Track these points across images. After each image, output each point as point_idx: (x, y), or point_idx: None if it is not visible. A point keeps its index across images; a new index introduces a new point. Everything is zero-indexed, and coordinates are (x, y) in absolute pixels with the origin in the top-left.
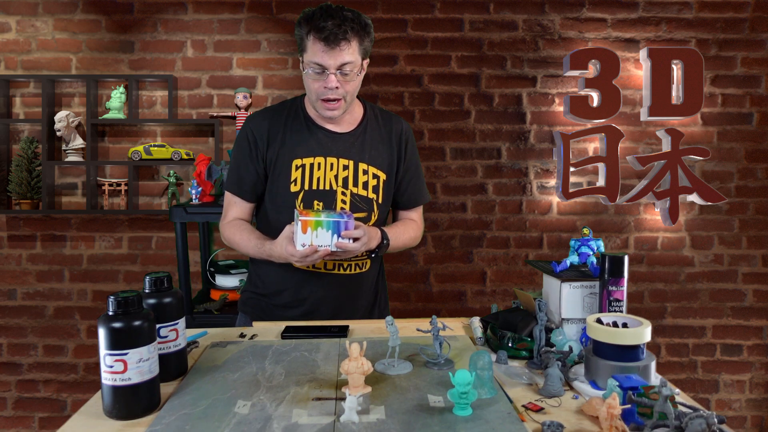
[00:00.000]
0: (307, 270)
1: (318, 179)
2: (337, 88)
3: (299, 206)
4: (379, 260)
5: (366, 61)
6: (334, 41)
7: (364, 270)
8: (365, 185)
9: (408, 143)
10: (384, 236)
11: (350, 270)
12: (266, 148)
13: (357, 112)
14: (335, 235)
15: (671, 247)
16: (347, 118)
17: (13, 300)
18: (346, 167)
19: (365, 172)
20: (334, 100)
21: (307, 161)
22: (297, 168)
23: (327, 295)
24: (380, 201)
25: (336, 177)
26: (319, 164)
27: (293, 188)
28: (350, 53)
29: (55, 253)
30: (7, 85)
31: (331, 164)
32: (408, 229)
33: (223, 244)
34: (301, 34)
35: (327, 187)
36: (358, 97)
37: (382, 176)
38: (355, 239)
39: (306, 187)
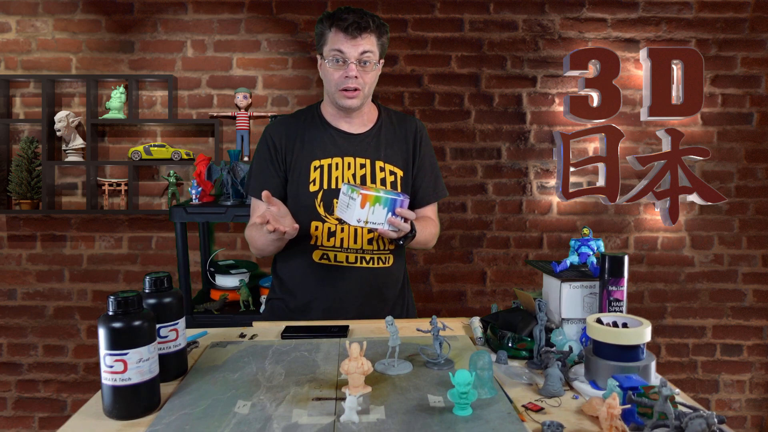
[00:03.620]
0: (328, 264)
1: (336, 179)
2: (356, 77)
3: (348, 181)
4: (403, 259)
5: (382, 61)
6: (356, 30)
7: (388, 265)
8: (383, 182)
9: (422, 140)
10: (412, 226)
11: (373, 263)
12: (285, 152)
13: (372, 113)
14: (390, 214)
15: (671, 247)
16: (363, 119)
17: (13, 300)
18: (363, 166)
19: (382, 170)
20: (353, 89)
21: (325, 162)
22: (315, 169)
23: (351, 291)
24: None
25: (354, 176)
26: (336, 164)
27: (312, 188)
28: (369, 45)
29: (55, 253)
30: (7, 85)
31: (348, 164)
32: (428, 225)
33: (224, 243)
34: (322, 29)
35: None
36: (373, 100)
37: (399, 173)
38: (405, 219)
39: (325, 186)
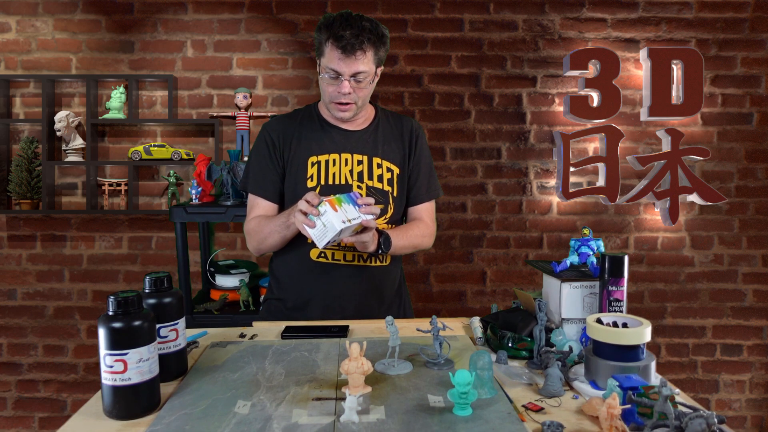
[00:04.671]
0: (325, 262)
1: (333, 174)
2: (349, 93)
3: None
4: (399, 260)
5: (380, 69)
6: (351, 50)
7: (385, 263)
8: (380, 178)
9: (418, 139)
10: (380, 232)
11: (371, 262)
12: (283, 148)
13: (369, 112)
14: (356, 207)
15: (671, 247)
16: (359, 120)
17: (13, 300)
18: (360, 162)
19: (379, 166)
20: (346, 103)
21: (323, 158)
22: (313, 165)
23: (349, 289)
24: (395, 194)
25: (351, 172)
26: (334, 160)
27: (310, 184)
28: (365, 63)
29: (55, 253)
30: (7, 85)
31: (346, 160)
32: (410, 227)
33: (224, 243)
34: (320, 39)
35: (342, 182)
36: (369, 101)
37: (396, 170)
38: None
39: (322, 182)
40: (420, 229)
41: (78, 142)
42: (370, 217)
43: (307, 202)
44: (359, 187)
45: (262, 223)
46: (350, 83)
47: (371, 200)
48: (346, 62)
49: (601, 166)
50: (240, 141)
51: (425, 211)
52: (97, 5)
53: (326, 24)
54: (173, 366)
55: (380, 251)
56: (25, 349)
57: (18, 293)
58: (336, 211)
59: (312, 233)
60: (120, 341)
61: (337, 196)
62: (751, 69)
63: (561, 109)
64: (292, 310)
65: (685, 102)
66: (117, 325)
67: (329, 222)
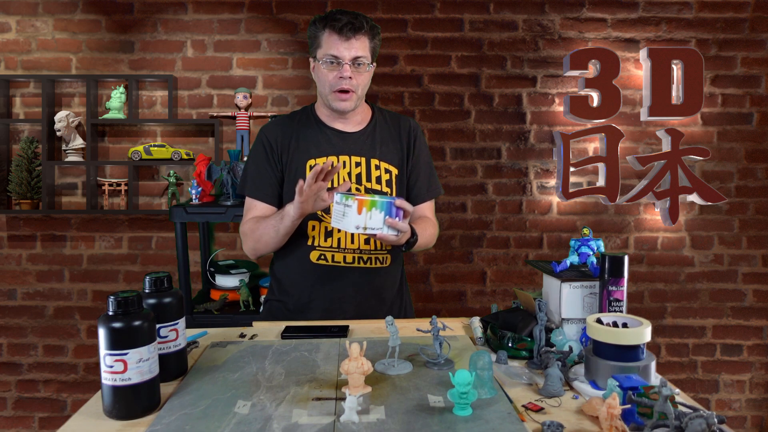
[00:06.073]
0: (326, 265)
1: (332, 178)
2: (350, 78)
3: (344, 180)
4: (401, 259)
5: (373, 65)
6: (350, 31)
7: (385, 265)
8: (378, 180)
9: (417, 139)
10: (413, 231)
11: (371, 264)
12: (281, 151)
13: (366, 112)
14: (386, 216)
15: (671, 247)
16: (357, 119)
17: (13, 300)
18: (358, 164)
19: (377, 168)
20: (347, 91)
21: (321, 161)
22: (311, 168)
23: (349, 291)
24: (394, 195)
25: (349, 174)
26: (332, 163)
27: None
28: (362, 48)
29: (55, 253)
30: (7, 85)
31: (344, 162)
32: (427, 226)
33: (224, 243)
34: (315, 32)
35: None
36: (366, 101)
37: (394, 171)
38: (405, 213)
39: None
40: (432, 228)
41: (78, 142)
42: (391, 232)
43: (332, 165)
44: (358, 189)
45: (259, 221)
46: (350, 67)
47: (409, 207)
48: (345, 45)
49: (601, 166)
50: (240, 141)
51: (428, 210)
52: (97, 5)
53: (321, 17)
54: (173, 366)
55: (403, 249)
56: (25, 349)
57: (18, 293)
58: (360, 213)
59: (333, 210)
60: (120, 341)
61: (374, 198)
62: (751, 69)
63: (561, 109)
64: (294, 312)
65: (685, 102)
66: (117, 325)
67: (348, 218)
